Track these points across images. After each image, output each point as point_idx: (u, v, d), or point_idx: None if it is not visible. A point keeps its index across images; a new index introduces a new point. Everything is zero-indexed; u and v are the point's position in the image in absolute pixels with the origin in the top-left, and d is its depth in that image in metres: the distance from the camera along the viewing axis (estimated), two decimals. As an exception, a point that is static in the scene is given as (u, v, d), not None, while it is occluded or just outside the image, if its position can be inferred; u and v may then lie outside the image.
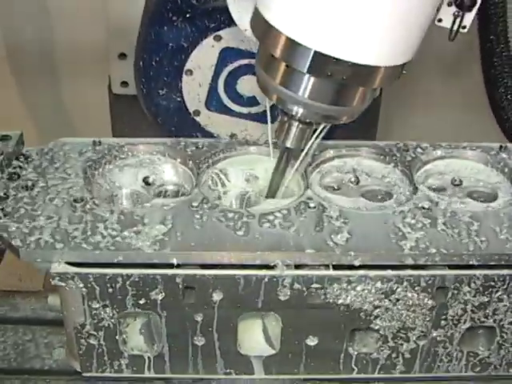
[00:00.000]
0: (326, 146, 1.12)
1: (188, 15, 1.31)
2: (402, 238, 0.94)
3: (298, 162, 1.05)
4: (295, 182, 1.08)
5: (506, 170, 1.10)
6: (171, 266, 0.91)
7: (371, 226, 0.96)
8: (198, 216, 0.97)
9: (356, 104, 0.96)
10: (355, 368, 1.01)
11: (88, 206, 0.98)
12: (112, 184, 1.08)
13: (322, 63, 0.89)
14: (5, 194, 1.00)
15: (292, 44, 0.89)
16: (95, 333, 0.96)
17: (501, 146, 1.13)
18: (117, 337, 0.97)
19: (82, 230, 0.94)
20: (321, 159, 1.11)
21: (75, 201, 0.98)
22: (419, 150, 1.12)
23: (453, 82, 1.80)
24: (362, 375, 1.02)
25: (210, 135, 1.45)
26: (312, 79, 0.92)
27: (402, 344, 0.99)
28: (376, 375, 1.02)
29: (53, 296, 1.01)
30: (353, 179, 1.09)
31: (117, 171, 1.09)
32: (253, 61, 0.99)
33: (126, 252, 0.91)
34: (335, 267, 0.93)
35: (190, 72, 1.38)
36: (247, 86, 1.39)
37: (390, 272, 0.92)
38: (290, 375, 1.02)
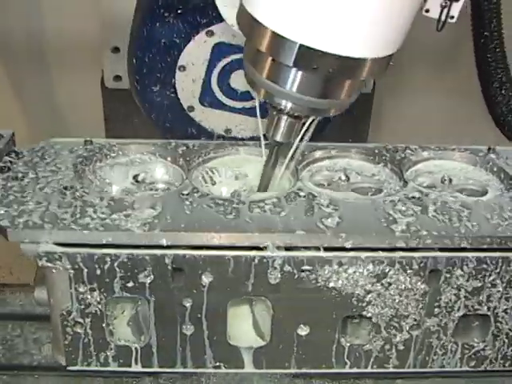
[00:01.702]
0: (315, 148, 1.13)
1: (179, 11, 1.32)
2: (393, 222, 0.94)
3: (290, 155, 1.06)
4: (286, 179, 1.08)
5: (495, 168, 1.10)
6: (160, 247, 0.91)
7: (362, 212, 0.96)
8: (188, 202, 0.96)
9: (344, 96, 0.96)
10: (348, 362, 0.99)
11: (78, 194, 0.97)
12: (102, 180, 1.07)
13: (307, 56, 0.89)
14: (-7, 183, 1.00)
15: (277, 38, 0.89)
16: (81, 320, 0.94)
17: (489, 148, 1.14)
18: (103, 325, 0.95)
19: (71, 213, 0.93)
20: (311, 159, 1.12)
21: (65, 188, 0.98)
22: (408, 151, 1.13)
23: (446, 72, 1.80)
24: (355, 370, 1.00)
25: (205, 131, 1.45)
26: (299, 73, 0.93)
27: (395, 334, 0.97)
28: (369, 370, 0.99)
29: (39, 289, 0.99)
30: (343, 177, 1.09)
31: (107, 169, 1.09)
32: (246, 55, 1.00)
33: (115, 232, 0.90)
34: (326, 250, 0.92)
35: (183, 68, 1.39)
36: (241, 80, 1.40)
37: (381, 254, 0.91)
38: (281, 369, 0.99)
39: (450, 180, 1.09)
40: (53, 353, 1.01)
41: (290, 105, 0.97)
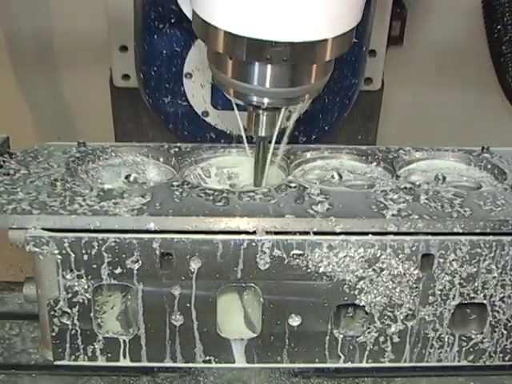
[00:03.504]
0: (308, 148, 1.13)
1: (173, 21, 1.34)
2: (384, 208, 0.93)
3: (271, 147, 1.04)
4: (278, 178, 1.08)
5: (489, 166, 1.09)
6: (149, 232, 0.90)
7: (352, 200, 0.95)
8: (177, 193, 0.96)
9: (315, 80, 0.95)
10: (342, 355, 0.96)
11: (68, 185, 0.97)
12: (94, 180, 1.07)
13: (257, 49, 0.88)
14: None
15: (227, 36, 0.89)
16: (69, 310, 0.92)
17: (483, 148, 1.13)
18: (91, 315, 0.93)
19: (60, 201, 0.93)
20: (303, 159, 1.11)
21: (55, 180, 0.98)
22: (401, 151, 1.13)
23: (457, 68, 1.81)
24: (350, 364, 0.97)
25: (223, 133, 1.45)
26: (259, 67, 0.92)
27: (389, 325, 0.94)
28: (364, 364, 0.97)
29: (28, 285, 0.98)
30: (336, 176, 1.08)
31: (100, 169, 1.09)
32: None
33: (103, 217, 0.90)
34: (316, 234, 0.91)
35: (190, 75, 1.41)
36: None
37: (372, 237, 0.90)
38: (273, 363, 0.97)
39: (444, 178, 1.08)
40: (40, 348, 0.99)
41: (261, 99, 0.95)
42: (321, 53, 0.90)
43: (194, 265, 0.90)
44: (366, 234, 0.90)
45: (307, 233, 0.90)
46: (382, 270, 0.91)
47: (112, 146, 1.12)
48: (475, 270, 0.92)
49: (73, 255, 0.90)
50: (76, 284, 0.91)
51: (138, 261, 0.90)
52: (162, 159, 1.10)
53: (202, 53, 1.36)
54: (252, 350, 0.96)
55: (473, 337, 0.96)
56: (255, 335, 0.95)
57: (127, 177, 1.08)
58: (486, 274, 0.92)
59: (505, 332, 0.96)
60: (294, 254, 0.90)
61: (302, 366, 0.97)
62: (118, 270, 0.91)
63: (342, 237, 0.90)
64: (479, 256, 0.91)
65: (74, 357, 0.95)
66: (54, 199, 0.93)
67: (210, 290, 0.92)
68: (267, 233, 0.90)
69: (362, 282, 0.92)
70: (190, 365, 0.97)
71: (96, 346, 0.95)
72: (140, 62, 1.43)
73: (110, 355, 0.96)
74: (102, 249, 0.89)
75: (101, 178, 1.08)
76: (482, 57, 1.43)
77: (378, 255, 0.90)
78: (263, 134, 1.01)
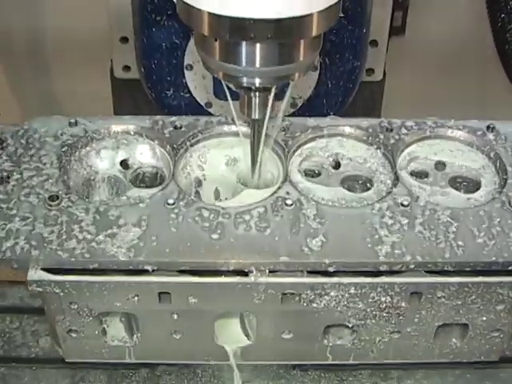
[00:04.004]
0: (307, 126, 1.09)
1: (170, 12, 1.28)
2: (379, 241, 0.94)
3: (264, 128, 1.01)
4: (274, 166, 1.06)
5: (492, 154, 1.07)
6: (147, 272, 0.92)
7: (348, 228, 0.96)
8: (173, 216, 0.96)
9: (304, 57, 0.92)
10: (330, 356, 1.04)
11: (63, 205, 0.97)
12: (89, 169, 1.06)
13: (240, 28, 0.84)
14: (-21, 187, 0.99)
15: (210, 17, 0.85)
16: (75, 328, 0.99)
17: (488, 126, 1.09)
18: (96, 332, 0.99)
19: (57, 233, 0.93)
20: (302, 140, 1.09)
21: (51, 198, 0.97)
22: (404, 130, 1.09)
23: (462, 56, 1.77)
24: (337, 361, 1.05)
25: None
26: (246, 47, 0.88)
27: (375, 337, 1.01)
28: (351, 361, 1.05)
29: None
30: (333, 164, 1.07)
31: (93, 154, 1.07)
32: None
33: (101, 260, 0.91)
34: (310, 273, 0.93)
35: (191, 66, 1.38)
36: None
37: (364, 279, 0.93)
38: (265, 361, 1.05)
39: (444, 165, 1.07)
40: (52, 343, 1.07)
41: (251, 80, 0.92)
42: (306, 28, 0.87)
43: (192, 299, 0.94)
44: (359, 273, 0.93)
45: (301, 272, 0.93)
46: (371, 303, 0.95)
47: (104, 122, 1.09)
48: (460, 302, 0.96)
49: (75, 293, 0.93)
50: (80, 312, 0.96)
51: (137, 296, 0.94)
52: (157, 142, 1.08)
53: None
54: (246, 353, 1.03)
55: (453, 345, 1.03)
56: (250, 342, 1.02)
57: (122, 163, 1.08)
58: (470, 305, 0.96)
59: (483, 341, 1.02)
60: (287, 293, 0.94)
61: (293, 362, 1.06)
62: (119, 304, 0.95)
63: (335, 279, 0.93)
64: (466, 293, 0.94)
65: (83, 357, 1.04)
66: (51, 229, 0.94)
67: (206, 317, 0.97)
68: (261, 272, 0.92)
69: (351, 311, 0.96)
70: (190, 362, 1.05)
71: (103, 351, 1.03)
72: (140, 56, 1.39)
73: (116, 356, 1.04)
74: (103, 289, 0.93)
75: (95, 166, 1.07)
76: (484, 45, 1.34)
77: (369, 293, 0.94)
78: (257, 117, 0.99)
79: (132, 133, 1.09)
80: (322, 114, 1.37)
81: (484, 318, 0.98)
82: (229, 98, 1.03)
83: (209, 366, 1.09)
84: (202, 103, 1.44)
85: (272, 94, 0.97)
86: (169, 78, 1.39)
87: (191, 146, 1.08)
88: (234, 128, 1.10)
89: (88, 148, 1.07)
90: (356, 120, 1.11)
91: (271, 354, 1.04)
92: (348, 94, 1.42)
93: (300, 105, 1.43)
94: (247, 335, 1.02)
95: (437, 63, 1.74)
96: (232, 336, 1.02)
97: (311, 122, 1.10)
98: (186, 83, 1.41)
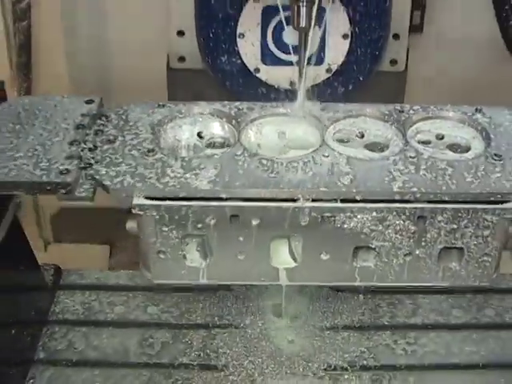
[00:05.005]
0: (339, 108, 1.44)
1: None
2: (393, 179, 1.26)
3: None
4: (314, 137, 1.40)
5: (479, 127, 1.40)
6: (221, 199, 1.24)
7: (370, 171, 1.28)
8: (240, 163, 1.29)
9: None
10: (358, 277, 1.34)
11: (157, 156, 1.30)
12: (173, 138, 1.40)
13: None
14: (94, 146, 1.33)
15: None
16: (164, 249, 1.30)
17: (476, 109, 1.43)
18: (179, 252, 1.30)
19: (154, 173, 1.26)
20: (335, 118, 1.42)
21: (148, 151, 1.31)
22: (412, 111, 1.43)
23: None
24: (363, 283, 1.35)
25: (273, 88, 1.74)
26: None
27: (392, 260, 1.31)
28: (374, 283, 1.35)
29: (130, 221, 1.33)
30: (359, 135, 1.40)
31: (177, 127, 1.42)
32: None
33: (188, 189, 1.24)
34: (342, 201, 1.25)
35: (242, 35, 1.66)
36: (291, 35, 1.62)
37: (382, 205, 1.24)
38: (308, 282, 1.36)
39: (443, 136, 1.40)
40: (141, 270, 1.38)
41: None
42: None
43: (255, 222, 1.26)
44: (379, 201, 1.25)
45: (335, 200, 1.25)
46: (388, 226, 1.26)
47: (184, 105, 1.44)
48: (456, 226, 1.27)
49: (167, 216, 1.25)
50: (169, 234, 1.28)
51: (213, 219, 1.26)
52: (225, 119, 1.42)
53: (251, 15, 1.61)
54: (293, 275, 1.34)
55: (452, 268, 1.33)
56: (296, 264, 1.33)
57: (199, 133, 1.41)
58: (463, 229, 1.27)
59: (476, 265, 1.32)
60: (325, 216, 1.25)
61: (329, 284, 1.36)
62: (200, 225, 1.27)
63: (361, 204, 1.24)
64: (459, 218, 1.25)
65: (166, 277, 1.35)
66: (150, 171, 1.27)
67: (265, 235, 1.29)
68: (306, 200, 1.24)
69: (374, 233, 1.27)
70: (250, 282, 1.36)
71: (183, 272, 1.34)
72: (199, 27, 1.68)
73: (192, 277, 1.34)
74: (189, 212, 1.25)
75: (178, 136, 1.41)
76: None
77: (386, 217, 1.25)
78: (303, 25, 1.32)
79: (205, 113, 1.43)
80: (352, 79, 1.68)
81: (475, 243, 1.29)
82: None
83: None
84: (252, 69, 1.73)
85: (315, 6, 1.30)
86: (223, 46, 1.68)
87: (251, 122, 1.42)
88: (282, 110, 1.44)
89: (172, 123, 1.42)
90: (377, 105, 1.45)
91: (312, 275, 1.34)
92: (375, 62, 1.73)
93: (334, 70, 1.73)
94: (294, 258, 1.33)
95: (453, 58, 2.01)
96: (283, 258, 1.33)
97: (342, 105, 1.44)
98: (238, 50, 1.69)
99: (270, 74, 1.74)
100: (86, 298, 1.74)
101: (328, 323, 1.69)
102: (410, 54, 1.87)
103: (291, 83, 1.73)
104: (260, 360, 1.61)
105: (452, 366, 1.61)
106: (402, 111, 1.43)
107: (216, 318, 1.71)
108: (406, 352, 1.63)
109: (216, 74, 1.76)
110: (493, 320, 1.73)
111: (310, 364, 1.60)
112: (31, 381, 1.56)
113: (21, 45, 1.94)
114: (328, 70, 1.74)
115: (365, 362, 1.60)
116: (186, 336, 1.67)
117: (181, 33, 1.81)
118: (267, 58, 1.70)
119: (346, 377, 1.58)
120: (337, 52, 1.74)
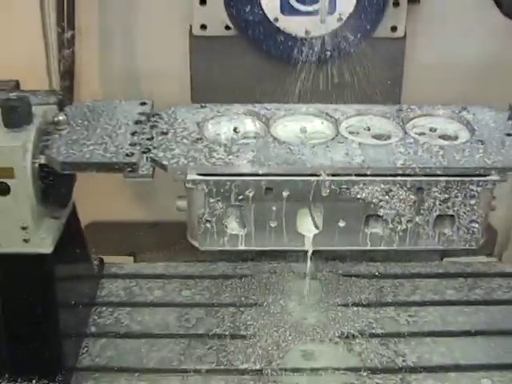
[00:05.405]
0: (349, 108, 1.75)
1: None
2: (396, 158, 1.56)
3: None
4: (329, 131, 1.70)
5: (465, 122, 1.71)
6: (258, 175, 1.54)
7: (378, 153, 1.58)
8: (271, 147, 1.59)
9: None
10: (369, 242, 1.63)
11: (204, 143, 1.60)
12: (214, 132, 1.70)
13: None
14: (151, 136, 1.63)
15: None
16: (210, 219, 1.58)
17: (462, 107, 1.75)
18: (223, 221, 1.59)
19: (203, 155, 1.56)
20: (346, 116, 1.73)
21: (197, 139, 1.61)
22: (409, 110, 1.74)
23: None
24: (373, 247, 1.64)
25: (290, 36, 1.95)
26: None
27: (397, 226, 1.60)
28: (382, 247, 1.64)
29: (180, 201, 1.62)
30: (367, 129, 1.70)
31: (216, 124, 1.72)
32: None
33: (232, 167, 1.53)
34: (356, 175, 1.54)
35: None
36: None
37: (388, 178, 1.54)
38: (328, 247, 1.64)
39: (435, 129, 1.70)
40: (189, 239, 1.66)
41: None
42: None
43: (285, 193, 1.55)
44: (385, 175, 1.54)
45: (350, 175, 1.54)
46: (393, 196, 1.56)
47: (222, 106, 1.74)
48: (448, 196, 1.56)
49: (214, 189, 1.54)
50: (216, 205, 1.56)
51: (252, 192, 1.55)
52: (257, 118, 1.72)
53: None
54: (316, 240, 1.62)
55: (446, 233, 1.62)
56: (318, 231, 1.61)
57: (235, 129, 1.71)
58: (454, 198, 1.56)
59: (465, 230, 1.62)
60: (343, 188, 1.55)
61: (345, 248, 1.65)
62: (241, 197, 1.55)
63: (371, 178, 1.54)
64: (450, 188, 1.55)
65: (211, 244, 1.62)
66: (199, 154, 1.56)
67: (293, 207, 1.58)
68: (327, 175, 1.54)
69: (381, 202, 1.56)
70: (280, 248, 1.64)
71: (225, 239, 1.62)
72: None
73: (233, 243, 1.62)
74: (232, 185, 1.54)
75: (218, 130, 1.71)
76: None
77: (391, 188, 1.55)
78: None
79: (240, 112, 1.74)
80: (361, 28, 1.92)
81: (464, 210, 1.58)
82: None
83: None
84: (271, 18, 1.93)
85: None
86: None
87: (278, 119, 1.72)
88: (304, 109, 1.75)
89: (213, 121, 1.72)
90: (380, 106, 1.76)
91: (331, 241, 1.63)
92: (379, 11, 1.94)
93: (344, 19, 1.92)
94: (316, 226, 1.61)
95: (451, 28, 2.14)
96: (307, 226, 1.61)
97: (352, 106, 1.75)
98: (259, 1, 1.89)
99: (287, 23, 1.93)
100: (127, 285, 2.04)
101: (339, 301, 1.99)
102: (408, 22, 2.04)
103: (306, 32, 1.95)
104: (283, 329, 1.90)
105: (447, 333, 1.90)
106: (401, 110, 1.74)
107: (243, 299, 2.01)
108: (408, 322, 1.93)
109: (239, 24, 1.95)
110: (482, 298, 2.03)
111: (325, 331, 1.89)
112: (85, 349, 1.84)
113: (65, 71, 2.23)
114: (339, 20, 1.93)
115: (373, 331, 1.90)
116: (218, 312, 1.96)
117: (203, 2, 2.00)
118: (286, 8, 1.91)
119: (358, 341, 1.86)
120: (347, 2, 1.94)
